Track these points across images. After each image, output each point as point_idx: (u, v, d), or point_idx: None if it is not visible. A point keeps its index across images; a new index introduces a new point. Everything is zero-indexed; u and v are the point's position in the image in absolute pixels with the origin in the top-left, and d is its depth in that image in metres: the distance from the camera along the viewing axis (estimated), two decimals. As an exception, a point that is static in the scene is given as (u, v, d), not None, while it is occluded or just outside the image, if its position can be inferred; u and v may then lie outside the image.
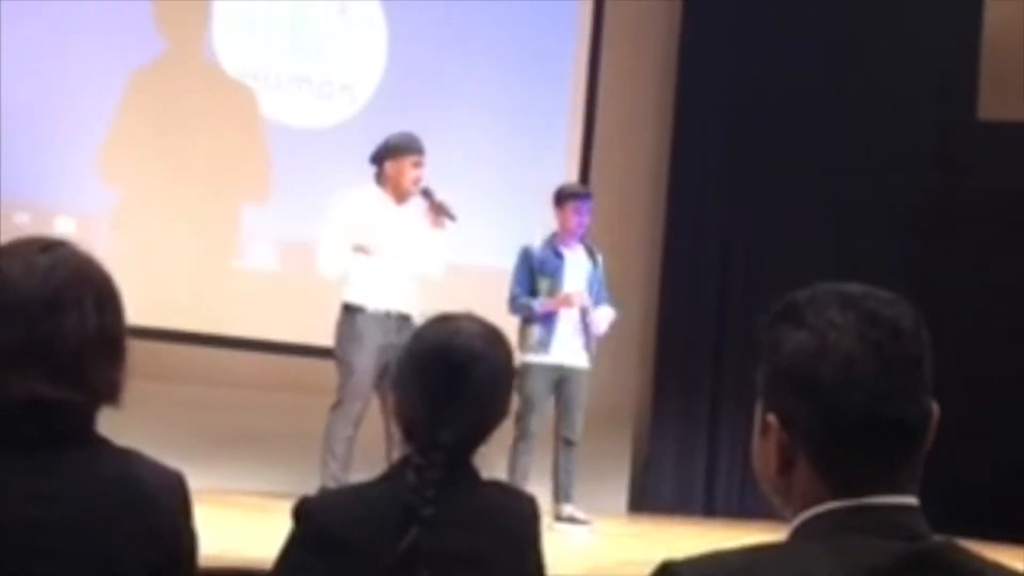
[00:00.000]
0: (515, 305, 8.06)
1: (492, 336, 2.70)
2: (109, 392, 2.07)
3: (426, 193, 7.61)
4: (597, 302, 8.21)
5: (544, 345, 8.01)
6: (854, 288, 1.71)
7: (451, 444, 2.56)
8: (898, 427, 1.64)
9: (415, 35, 9.40)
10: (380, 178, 7.62)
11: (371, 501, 2.57)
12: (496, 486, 2.74)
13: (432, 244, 7.61)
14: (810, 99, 10.34)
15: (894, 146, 10.32)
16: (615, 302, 8.37)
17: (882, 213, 10.25)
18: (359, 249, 7.46)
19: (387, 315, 7.42)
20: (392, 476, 2.61)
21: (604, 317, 8.18)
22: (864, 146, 10.37)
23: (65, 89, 8.50)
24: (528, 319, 8.07)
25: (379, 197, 7.59)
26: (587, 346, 8.15)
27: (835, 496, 1.63)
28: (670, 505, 10.15)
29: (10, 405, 2.01)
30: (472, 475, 2.65)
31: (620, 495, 10.14)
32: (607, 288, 8.34)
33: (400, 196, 7.59)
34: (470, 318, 2.72)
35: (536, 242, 8.19)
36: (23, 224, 8.32)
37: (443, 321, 2.72)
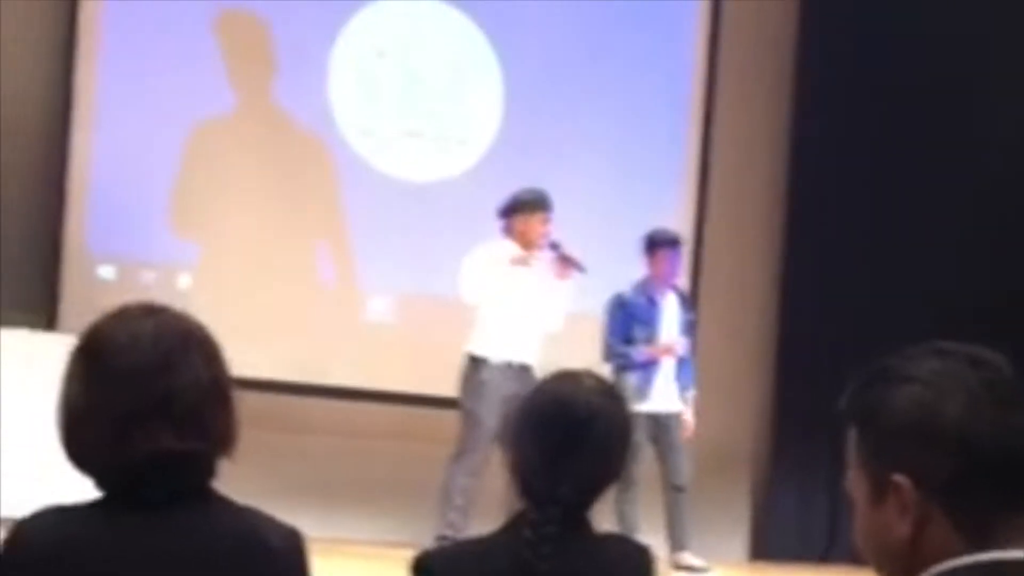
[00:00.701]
0: (612, 353, 8.04)
1: (611, 392, 2.72)
2: (228, 441, 2.15)
3: (554, 245, 7.73)
4: (685, 350, 8.22)
5: (642, 393, 7.96)
6: (945, 343, 1.70)
7: (569, 500, 2.57)
8: None
9: (530, 86, 9.43)
10: (508, 232, 7.76)
11: (488, 556, 2.59)
12: (611, 538, 2.75)
13: (556, 296, 7.72)
14: (939, 99, 10.08)
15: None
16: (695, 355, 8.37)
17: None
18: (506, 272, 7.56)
19: (509, 365, 7.51)
20: (508, 531, 2.62)
21: (690, 420, 8.18)
22: (996, 150, 10.16)
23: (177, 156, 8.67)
24: (624, 367, 8.04)
25: (512, 251, 7.72)
26: (683, 392, 8.15)
27: (972, 550, 1.59)
28: (792, 552, 10.02)
29: (133, 463, 2.07)
30: (588, 530, 2.65)
31: (740, 542, 10.04)
32: (694, 336, 8.37)
33: (529, 249, 7.74)
34: (589, 374, 2.73)
35: (627, 290, 8.16)
36: (148, 281, 8.49)
37: (563, 377, 2.73)
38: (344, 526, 8.44)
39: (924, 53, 10.13)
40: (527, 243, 7.71)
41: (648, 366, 8.04)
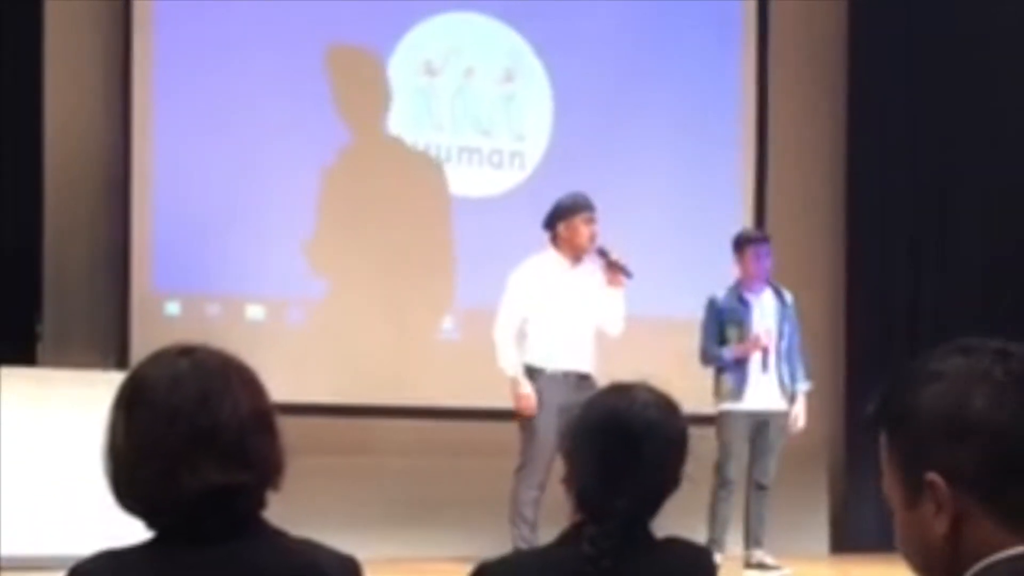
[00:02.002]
0: (707, 357, 8.08)
1: (666, 405, 2.71)
2: (274, 470, 2.16)
3: (602, 252, 7.69)
4: (790, 344, 8.16)
5: (738, 393, 7.98)
6: (970, 340, 1.70)
7: (626, 513, 2.58)
8: None
9: (579, 96, 9.47)
10: (555, 241, 7.73)
11: (547, 568, 2.61)
12: (671, 544, 2.71)
13: (610, 302, 7.67)
14: (995, 90, 10.06)
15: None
16: (804, 346, 8.31)
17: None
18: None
19: (565, 375, 7.49)
20: (567, 542, 2.63)
21: (800, 414, 8.13)
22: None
23: (257, 183, 8.76)
24: (720, 368, 8.05)
25: (555, 260, 7.69)
26: (791, 386, 8.10)
27: (1013, 541, 1.59)
28: (874, 543, 9.94)
29: (181, 500, 2.10)
30: (648, 542, 2.65)
31: (822, 537, 10.00)
32: (799, 330, 8.28)
33: (577, 255, 7.69)
34: (645, 387, 2.73)
35: (720, 292, 8.16)
36: (213, 313, 8.59)
37: (618, 390, 2.73)
38: (420, 544, 8.49)
39: (975, 44, 10.10)
40: (575, 248, 7.66)
41: (742, 364, 8.01)
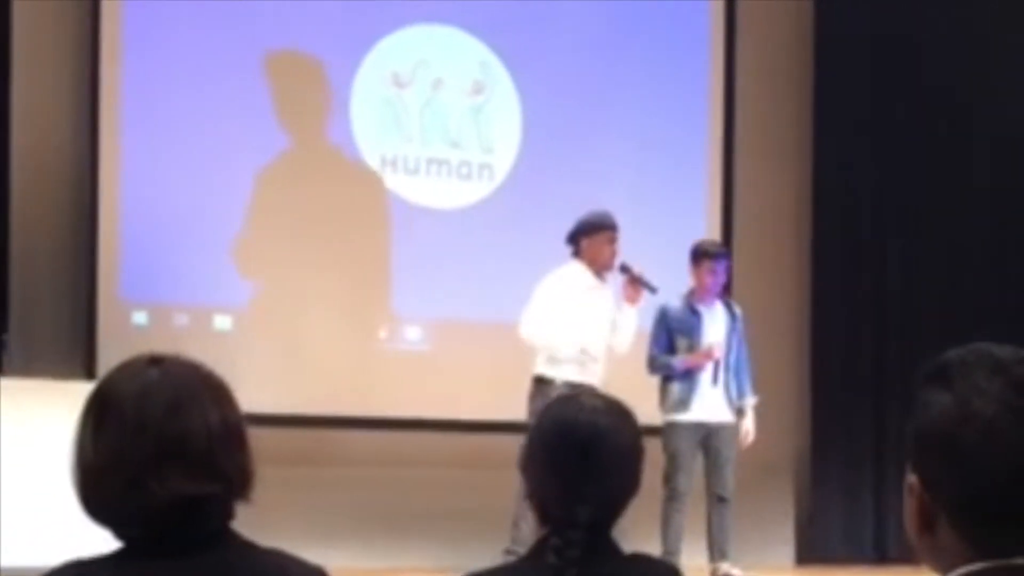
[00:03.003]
0: (654, 365, 8.08)
1: (616, 410, 2.69)
2: (243, 481, 2.15)
3: (624, 268, 7.78)
4: (737, 359, 8.19)
5: (685, 403, 7.98)
6: (1008, 353, 1.66)
7: (587, 522, 2.57)
8: None
9: (548, 108, 9.50)
10: (577, 255, 7.83)
11: (516, 583, 2.62)
12: (638, 559, 2.73)
13: (624, 320, 7.83)
14: (961, 90, 10.15)
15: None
16: (751, 361, 8.34)
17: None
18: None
19: (573, 387, 7.45)
20: (534, 557, 2.63)
21: (750, 429, 8.16)
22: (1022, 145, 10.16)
23: (226, 193, 8.75)
24: (668, 378, 8.07)
25: (581, 273, 7.81)
26: (739, 400, 8.14)
27: (982, 557, 1.59)
28: (840, 554, 10.00)
29: (152, 511, 2.09)
30: (612, 551, 2.65)
31: (787, 548, 10.03)
32: (747, 344, 8.31)
33: (598, 273, 7.79)
34: (593, 394, 2.76)
35: (672, 301, 8.19)
36: (182, 324, 8.58)
37: (566, 400, 2.75)
38: (388, 555, 8.49)
39: (941, 45, 10.15)
40: (597, 265, 7.78)
41: (691, 375, 8.03)
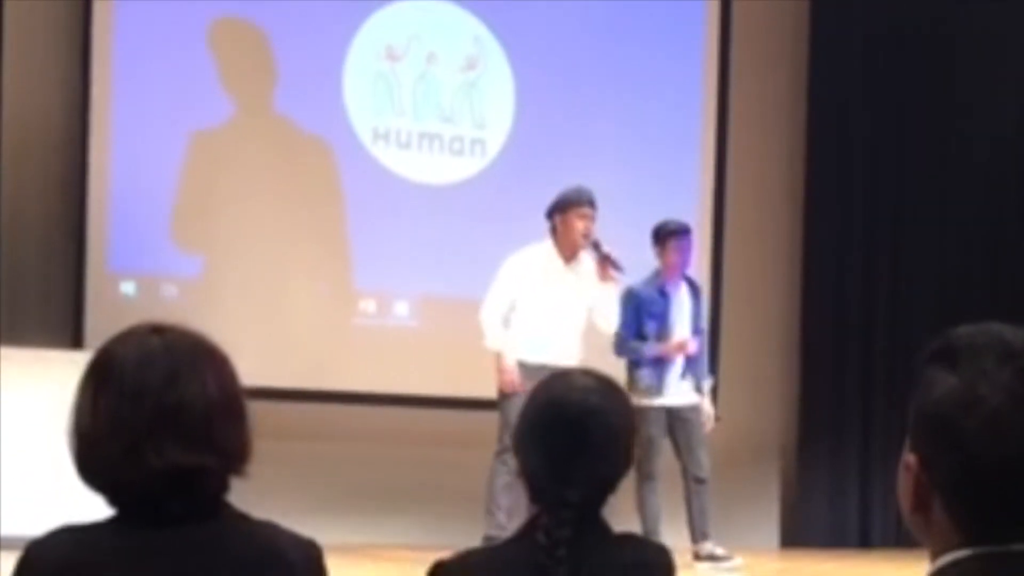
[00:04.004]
0: (623, 348, 7.98)
1: (607, 388, 2.68)
2: (239, 454, 2.15)
3: (595, 245, 7.68)
4: (694, 333, 8.16)
5: (656, 389, 7.94)
6: (1019, 337, 1.63)
7: (578, 501, 2.56)
8: None
9: (542, 84, 9.48)
10: (553, 233, 7.72)
11: (505, 563, 2.59)
12: (628, 539, 2.72)
13: (604, 298, 7.72)
14: (956, 91, 10.17)
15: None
16: (706, 337, 8.34)
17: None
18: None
19: (543, 368, 7.39)
20: (524, 536, 2.62)
21: (711, 413, 8.15)
22: (1013, 137, 10.18)
23: (215, 165, 8.72)
24: (636, 363, 8.01)
25: (550, 252, 7.67)
26: (698, 384, 8.12)
27: (971, 543, 1.58)
28: (824, 539, 10.02)
29: (144, 479, 2.09)
30: (603, 531, 2.64)
31: (772, 531, 10.05)
32: (703, 321, 8.29)
33: (570, 249, 7.67)
34: (584, 372, 2.72)
35: (638, 283, 8.08)
36: (170, 295, 8.55)
37: (555, 379, 2.72)
38: (373, 531, 8.48)
39: (936, 45, 10.18)
40: (567, 241, 7.64)
41: (660, 361, 7.99)
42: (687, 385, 8.08)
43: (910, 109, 10.27)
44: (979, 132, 10.28)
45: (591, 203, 7.66)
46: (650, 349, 7.97)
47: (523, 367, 7.49)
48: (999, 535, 1.58)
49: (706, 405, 8.16)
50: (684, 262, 8.11)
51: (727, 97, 10.04)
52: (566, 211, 7.63)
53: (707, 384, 8.22)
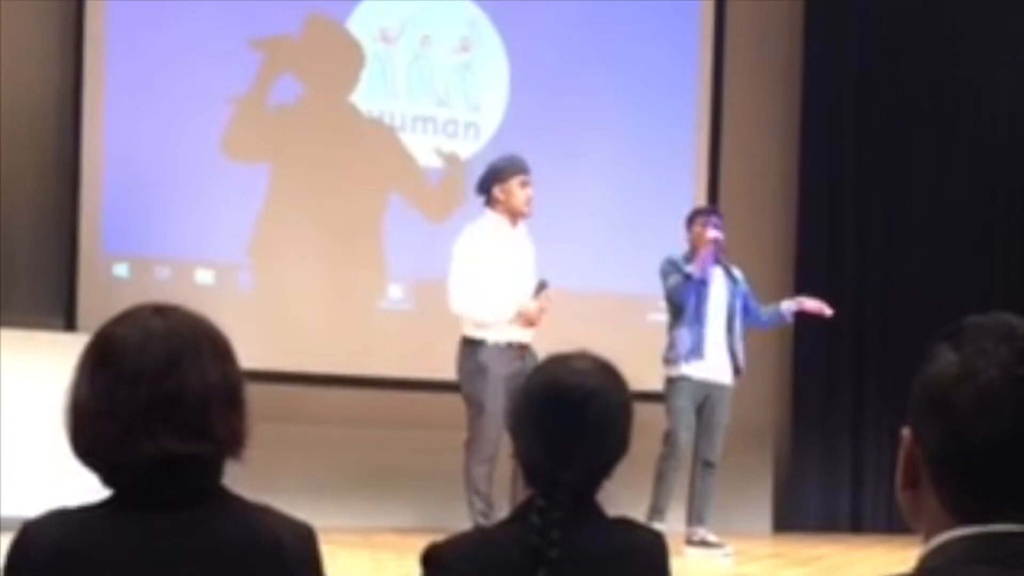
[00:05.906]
0: (675, 290, 7.91)
1: (606, 371, 2.67)
2: (235, 442, 2.13)
3: (542, 285, 7.44)
4: (752, 313, 8.15)
5: (697, 351, 7.90)
6: (1023, 323, 1.64)
7: (573, 484, 2.56)
8: None
9: (536, 68, 9.47)
10: (490, 204, 7.50)
11: (498, 545, 2.59)
12: (622, 523, 2.71)
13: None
14: (947, 77, 10.21)
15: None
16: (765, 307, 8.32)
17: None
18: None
19: (509, 345, 7.32)
20: (517, 519, 2.61)
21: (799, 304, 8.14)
22: (1005, 132, 10.21)
23: (208, 147, 8.69)
24: (676, 326, 7.94)
25: (495, 223, 7.47)
26: (734, 362, 8.09)
27: (959, 520, 1.58)
28: (816, 523, 10.05)
29: (141, 464, 2.07)
30: (597, 514, 2.64)
31: (765, 515, 10.06)
32: (755, 297, 8.27)
33: (514, 217, 7.48)
34: (582, 355, 2.70)
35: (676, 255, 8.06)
36: (164, 279, 8.53)
37: (557, 360, 2.70)
38: (367, 515, 8.49)
39: (935, 42, 10.20)
40: (511, 211, 7.43)
41: (700, 327, 7.91)
42: (726, 362, 8.04)
43: (903, 111, 10.31)
44: (972, 135, 10.33)
45: (528, 170, 7.49)
46: (691, 269, 7.89)
47: (484, 347, 7.28)
48: (984, 514, 1.57)
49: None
50: (717, 242, 8.01)
51: (722, 71, 10.08)
52: (507, 180, 7.43)
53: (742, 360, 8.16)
